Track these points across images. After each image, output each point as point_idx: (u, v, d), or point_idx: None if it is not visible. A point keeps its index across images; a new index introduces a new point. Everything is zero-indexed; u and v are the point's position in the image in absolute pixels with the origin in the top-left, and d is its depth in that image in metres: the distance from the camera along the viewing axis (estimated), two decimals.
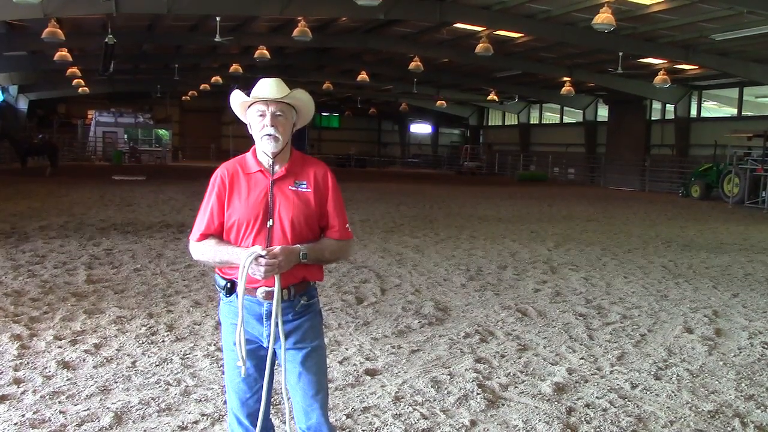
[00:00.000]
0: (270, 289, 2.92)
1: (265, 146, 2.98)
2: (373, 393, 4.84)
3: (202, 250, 3.05)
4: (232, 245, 2.99)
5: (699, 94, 32.84)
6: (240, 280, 2.87)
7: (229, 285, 3.02)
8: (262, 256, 2.83)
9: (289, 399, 3.17)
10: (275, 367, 3.10)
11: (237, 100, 3.05)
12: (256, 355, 3.03)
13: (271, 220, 2.97)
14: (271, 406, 3.36)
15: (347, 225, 3.12)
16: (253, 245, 2.93)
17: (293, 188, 3.02)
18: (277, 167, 3.03)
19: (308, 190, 3.03)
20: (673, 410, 4.75)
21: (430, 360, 5.64)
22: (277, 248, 2.87)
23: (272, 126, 2.95)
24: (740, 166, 24.87)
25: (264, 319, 3.00)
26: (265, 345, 3.01)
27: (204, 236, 3.04)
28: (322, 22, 24.38)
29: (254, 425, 3.05)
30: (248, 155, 3.09)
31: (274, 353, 3.01)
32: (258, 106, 2.99)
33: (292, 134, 3.07)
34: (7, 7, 18.78)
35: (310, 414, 3.05)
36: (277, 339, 2.96)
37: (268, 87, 2.97)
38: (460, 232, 13.97)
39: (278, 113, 2.97)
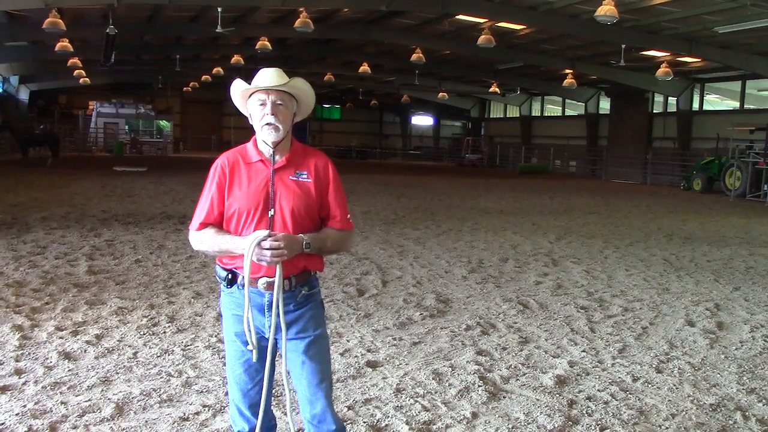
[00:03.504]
0: (271, 279, 2.92)
1: (265, 136, 2.97)
2: (374, 385, 4.84)
3: (202, 239, 3.04)
4: (232, 234, 2.99)
5: (701, 87, 32.77)
6: (245, 266, 2.86)
7: (230, 276, 3.02)
8: (265, 239, 2.82)
9: (291, 390, 3.17)
10: (276, 357, 3.10)
11: (237, 89, 3.03)
12: (258, 346, 3.02)
13: (272, 209, 2.96)
14: (273, 398, 3.36)
15: (348, 216, 3.12)
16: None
17: (294, 178, 3.01)
18: (277, 157, 3.02)
19: (309, 180, 3.02)
20: (675, 403, 4.75)
21: (431, 352, 5.64)
22: (280, 234, 2.87)
23: (272, 115, 2.93)
24: (742, 159, 24.86)
25: (266, 310, 2.99)
26: (267, 336, 3.00)
27: (204, 225, 3.03)
28: (324, 13, 24.30)
29: (256, 416, 3.05)
30: (249, 145, 3.09)
31: (276, 344, 3.00)
32: (258, 96, 2.97)
33: (292, 125, 3.06)
34: None
35: (314, 403, 3.04)
36: (278, 329, 2.95)
37: (268, 76, 2.96)
38: (462, 225, 13.96)
39: (279, 102, 2.96)
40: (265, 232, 2.84)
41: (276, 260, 2.84)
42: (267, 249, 2.82)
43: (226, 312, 3.11)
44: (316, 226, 3.06)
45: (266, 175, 3.00)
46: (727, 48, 23.86)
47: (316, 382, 3.04)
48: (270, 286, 2.93)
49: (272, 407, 3.30)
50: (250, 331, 2.93)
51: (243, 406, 3.10)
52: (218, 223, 3.03)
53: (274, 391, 3.31)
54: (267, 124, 2.94)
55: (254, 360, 3.00)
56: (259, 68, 3.12)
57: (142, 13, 24.79)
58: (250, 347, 2.96)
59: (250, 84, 2.99)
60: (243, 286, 2.93)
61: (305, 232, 2.98)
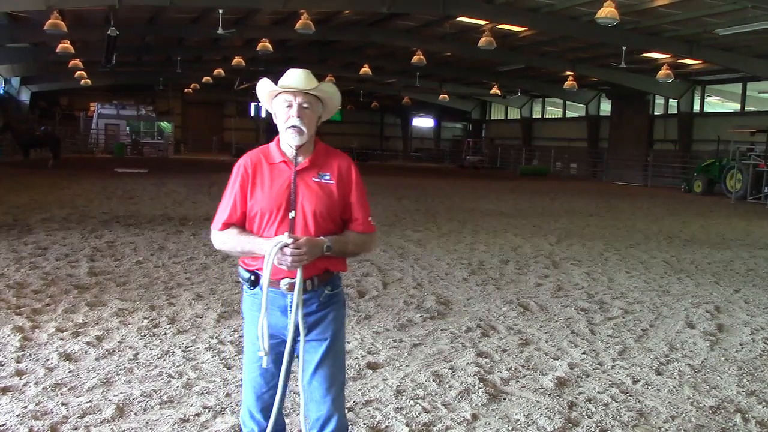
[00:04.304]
0: (293, 280, 2.91)
1: (289, 138, 2.95)
2: (374, 386, 4.85)
3: (224, 239, 3.04)
4: (254, 235, 2.98)
5: (702, 89, 32.77)
6: (265, 270, 2.86)
7: (252, 277, 3.02)
8: (287, 245, 2.82)
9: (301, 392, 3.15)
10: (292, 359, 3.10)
11: (264, 88, 3.02)
12: (277, 350, 3.01)
13: (293, 211, 2.95)
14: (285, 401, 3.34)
15: (370, 218, 3.10)
16: (275, 236, 2.92)
17: (316, 180, 3.00)
18: (300, 158, 3.00)
19: (331, 182, 3.01)
20: (675, 405, 4.75)
21: (431, 354, 5.64)
22: (302, 238, 2.86)
23: (298, 117, 2.92)
24: (743, 161, 24.86)
25: (289, 311, 2.98)
26: (286, 338, 3.00)
27: (226, 225, 3.03)
28: (325, 15, 24.34)
29: (267, 420, 3.04)
30: (272, 145, 3.07)
31: (294, 348, 2.99)
32: (285, 97, 2.95)
33: (317, 126, 3.04)
34: None
35: (321, 406, 3.04)
36: (297, 331, 2.94)
37: (297, 77, 2.93)
38: (462, 227, 13.96)
39: (305, 105, 2.94)
40: (287, 238, 2.83)
41: (296, 265, 2.84)
42: (288, 255, 2.82)
43: (248, 313, 3.10)
44: (338, 228, 3.05)
45: (289, 176, 2.99)
46: (727, 50, 23.87)
47: (327, 385, 3.03)
48: (292, 287, 2.93)
49: (282, 410, 3.29)
50: (263, 336, 2.92)
51: (255, 409, 3.09)
52: (241, 223, 3.03)
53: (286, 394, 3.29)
54: (292, 126, 2.92)
55: (264, 366, 2.99)
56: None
57: (144, 14, 24.82)
58: (261, 353, 2.95)
59: (277, 82, 2.98)
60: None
61: (327, 234, 2.97)
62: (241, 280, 3.11)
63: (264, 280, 2.88)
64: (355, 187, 3.06)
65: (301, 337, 2.96)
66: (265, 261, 2.86)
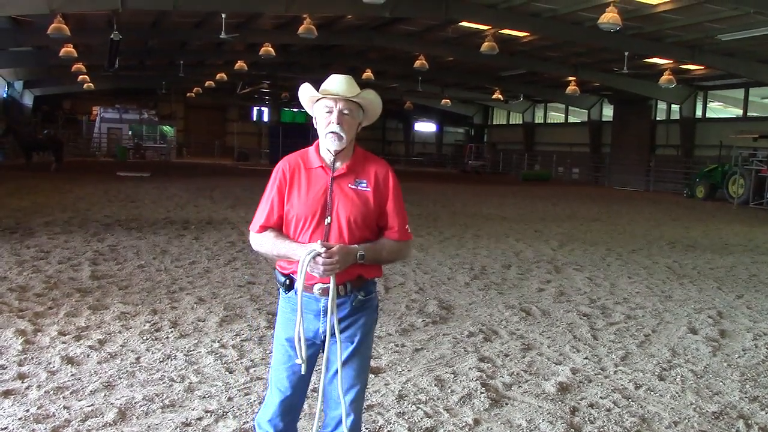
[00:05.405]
0: (326, 285, 2.92)
1: (328, 143, 2.96)
2: (376, 391, 4.84)
3: (261, 242, 3.07)
4: (290, 240, 3.00)
5: (704, 95, 32.77)
6: (299, 279, 2.87)
7: (287, 281, 3.03)
8: (320, 255, 2.83)
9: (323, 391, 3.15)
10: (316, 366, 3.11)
11: (306, 93, 3.04)
12: (307, 353, 3.01)
13: (329, 217, 2.96)
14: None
15: (407, 226, 3.11)
16: (310, 242, 2.93)
17: (353, 186, 3.01)
18: (338, 164, 3.01)
19: (368, 189, 3.02)
20: (677, 411, 4.74)
21: (433, 359, 5.63)
22: (335, 247, 2.86)
23: (338, 124, 2.93)
24: (745, 166, 24.87)
25: (321, 315, 3.00)
26: (317, 342, 3.02)
27: (264, 228, 3.05)
28: (328, 19, 24.37)
29: (283, 423, 3.05)
30: (311, 150, 3.08)
31: (325, 352, 3.01)
32: (326, 102, 2.96)
33: (356, 133, 3.05)
34: (12, 2, 18.85)
35: (339, 406, 3.04)
36: (332, 336, 2.95)
37: (338, 84, 2.95)
38: (464, 231, 13.96)
39: (345, 111, 2.95)
40: (320, 247, 2.84)
41: (328, 273, 2.86)
42: (320, 264, 2.83)
43: (282, 315, 3.12)
44: (374, 235, 3.05)
45: (325, 182, 3.00)
46: (730, 55, 23.88)
47: (347, 386, 3.03)
48: (325, 291, 2.94)
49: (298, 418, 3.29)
50: (300, 343, 2.93)
51: (275, 412, 3.07)
52: (278, 226, 3.05)
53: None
54: (331, 132, 2.93)
55: (303, 372, 3.00)
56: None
57: (147, 18, 24.87)
58: (298, 361, 2.96)
59: (319, 87, 2.99)
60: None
61: (362, 241, 2.98)
62: (277, 283, 3.13)
63: (298, 287, 2.90)
64: (392, 194, 3.07)
65: (337, 340, 2.97)
66: (299, 268, 2.87)
